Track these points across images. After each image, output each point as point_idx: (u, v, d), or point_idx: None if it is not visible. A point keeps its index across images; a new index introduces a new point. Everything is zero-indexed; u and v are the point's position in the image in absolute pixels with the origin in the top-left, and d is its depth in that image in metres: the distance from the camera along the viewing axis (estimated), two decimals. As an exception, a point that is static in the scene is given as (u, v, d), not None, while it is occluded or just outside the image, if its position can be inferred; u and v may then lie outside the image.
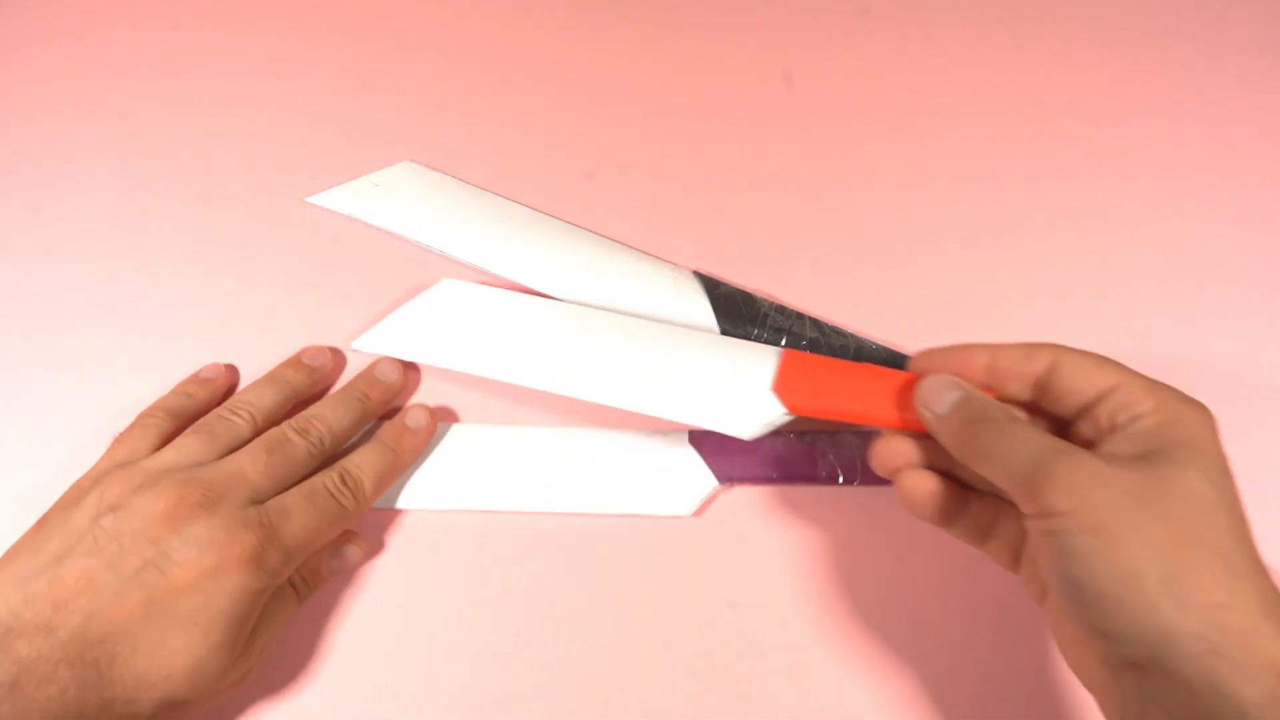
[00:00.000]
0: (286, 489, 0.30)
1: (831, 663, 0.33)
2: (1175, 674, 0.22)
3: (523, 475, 0.35)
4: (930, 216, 0.41)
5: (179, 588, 0.26)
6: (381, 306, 0.38)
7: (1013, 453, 0.26)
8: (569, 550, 0.34)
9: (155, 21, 0.45)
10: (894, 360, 0.36)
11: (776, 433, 0.34)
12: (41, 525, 0.28)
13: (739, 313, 0.37)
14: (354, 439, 0.34)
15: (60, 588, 0.25)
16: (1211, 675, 0.22)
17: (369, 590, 0.33)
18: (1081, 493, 0.24)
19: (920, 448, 0.30)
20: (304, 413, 0.32)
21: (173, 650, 0.25)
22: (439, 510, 0.34)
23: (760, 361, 0.34)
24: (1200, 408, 0.26)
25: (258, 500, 0.29)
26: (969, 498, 0.30)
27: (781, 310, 0.38)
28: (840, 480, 0.34)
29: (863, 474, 0.34)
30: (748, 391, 0.33)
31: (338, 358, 0.37)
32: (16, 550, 0.27)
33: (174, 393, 0.34)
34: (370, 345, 0.36)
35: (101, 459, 0.30)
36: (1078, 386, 0.27)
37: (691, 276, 0.39)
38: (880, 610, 0.33)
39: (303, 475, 0.30)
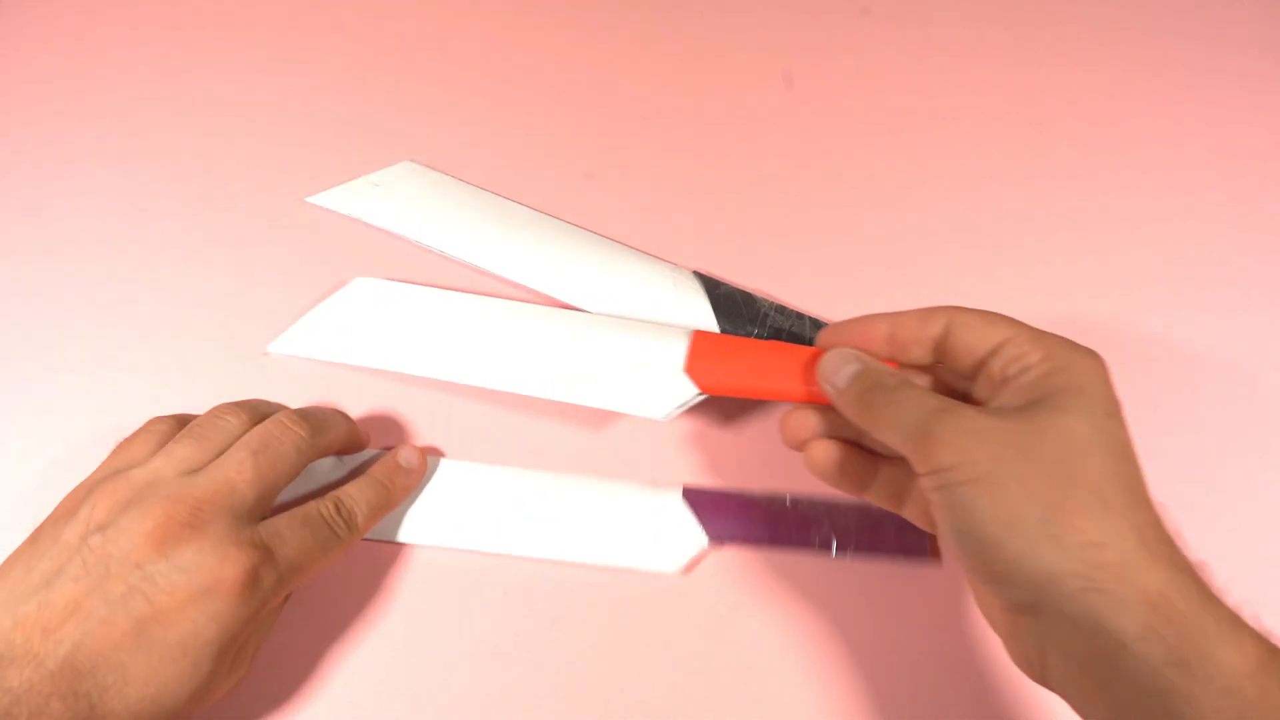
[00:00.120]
0: (275, 493, 0.29)
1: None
2: (1062, 613, 0.23)
3: (512, 518, 0.34)
4: (930, 216, 0.41)
5: (166, 615, 0.25)
6: (381, 306, 0.38)
7: (903, 416, 0.27)
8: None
9: (155, 21, 0.45)
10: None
11: (772, 496, 0.34)
12: (36, 539, 0.27)
13: (739, 313, 0.37)
14: (340, 476, 0.33)
15: (49, 612, 0.25)
16: (1093, 612, 0.23)
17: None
18: (963, 447, 0.25)
19: (828, 420, 0.32)
20: (296, 410, 0.32)
21: (163, 682, 0.25)
22: (429, 546, 0.34)
23: (672, 344, 0.34)
24: (1089, 355, 0.27)
25: (248, 513, 0.28)
26: (879, 464, 0.31)
27: (781, 310, 0.38)
28: (834, 550, 0.33)
29: (856, 545, 0.34)
30: (660, 374, 0.33)
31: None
32: (10, 566, 0.26)
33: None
34: (285, 348, 0.36)
35: (101, 464, 0.30)
36: (971, 343, 0.28)
37: (691, 276, 0.39)
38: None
39: (291, 475, 0.30)
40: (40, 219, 0.40)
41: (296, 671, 0.32)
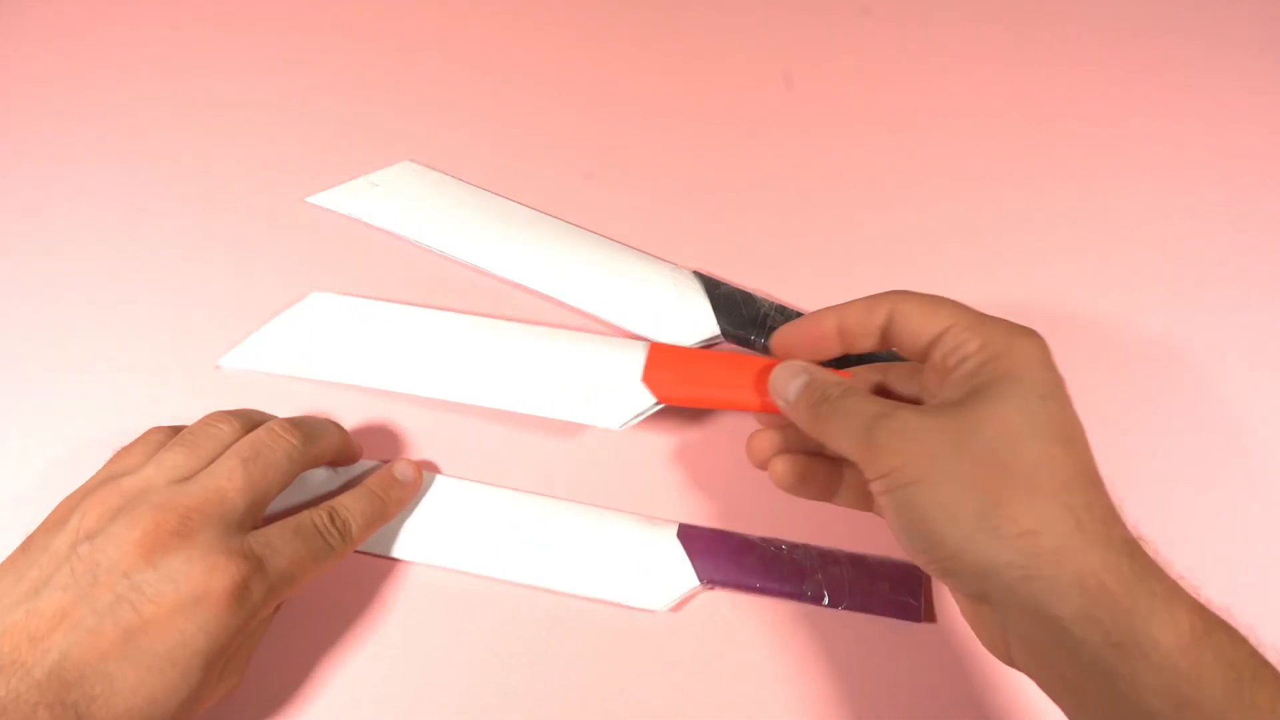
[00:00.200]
0: (266, 501, 0.29)
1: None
2: (1008, 601, 0.24)
3: (504, 542, 0.34)
4: (930, 216, 0.41)
5: (154, 625, 0.25)
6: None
7: (848, 425, 0.27)
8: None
9: (155, 21, 0.45)
10: (892, 359, 0.36)
11: (768, 542, 0.34)
12: (27, 547, 0.27)
13: (739, 313, 0.37)
14: (334, 487, 0.33)
15: (37, 621, 0.25)
16: (1034, 598, 0.23)
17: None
18: (901, 450, 0.25)
19: (791, 435, 0.32)
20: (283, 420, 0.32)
21: (151, 692, 0.25)
22: (420, 563, 0.34)
23: (630, 355, 0.34)
24: (1026, 337, 0.27)
25: (238, 522, 0.27)
26: (844, 471, 0.32)
27: (782, 310, 0.38)
28: (825, 601, 0.33)
29: (850, 598, 0.33)
30: (618, 384, 0.33)
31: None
32: (2, 573, 0.26)
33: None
34: (237, 362, 0.36)
35: (96, 473, 0.30)
36: (914, 331, 0.28)
37: (691, 276, 0.39)
38: None
39: (283, 483, 0.29)
40: (40, 219, 0.40)
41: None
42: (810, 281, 0.39)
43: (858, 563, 0.34)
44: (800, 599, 0.33)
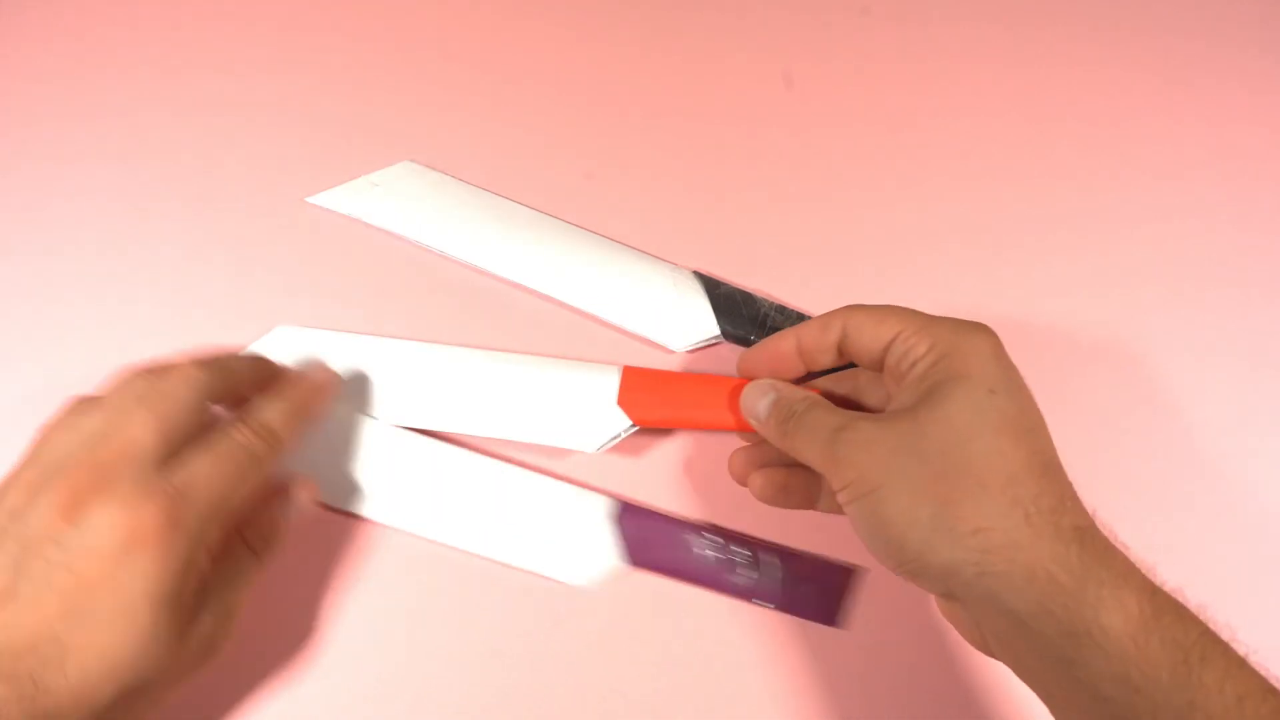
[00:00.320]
0: (184, 435, 0.28)
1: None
2: (971, 598, 0.25)
3: (441, 501, 0.34)
4: (930, 216, 0.41)
5: (91, 583, 0.25)
6: (381, 306, 0.38)
7: (812, 440, 0.28)
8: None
9: (155, 21, 0.45)
10: None
11: (703, 530, 0.34)
12: None
13: (739, 313, 0.37)
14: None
15: None
16: (992, 594, 0.24)
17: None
18: (858, 462, 0.26)
19: (769, 449, 0.33)
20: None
21: (105, 646, 0.25)
22: (351, 514, 0.34)
23: (604, 379, 0.35)
24: (973, 333, 0.28)
25: (153, 461, 0.27)
26: (821, 479, 0.33)
27: (781, 310, 0.38)
28: (749, 596, 0.34)
29: (772, 597, 0.34)
30: (593, 408, 0.34)
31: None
32: None
33: None
34: None
35: (21, 455, 0.29)
36: (867, 343, 0.29)
37: (691, 276, 0.39)
38: None
39: (189, 410, 0.28)
40: (40, 219, 0.40)
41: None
42: (810, 281, 0.39)
43: (788, 560, 0.34)
44: (726, 591, 0.34)
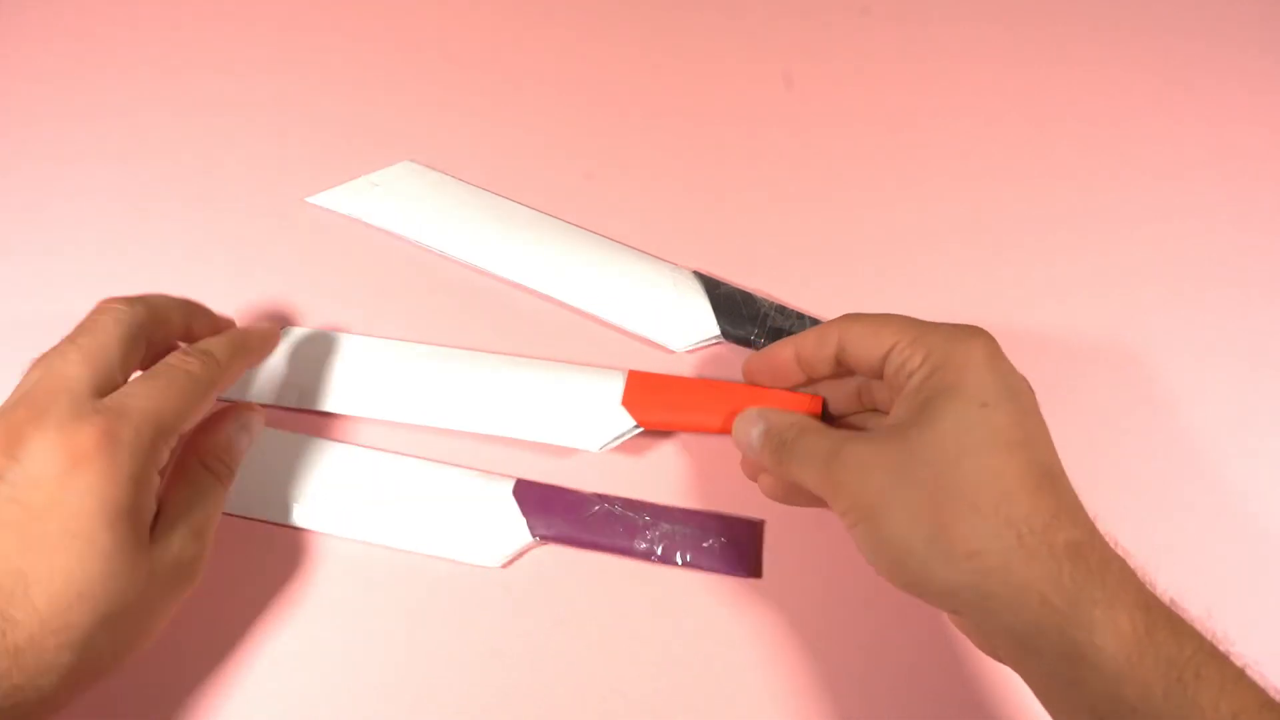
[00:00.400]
0: (115, 366, 0.28)
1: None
2: (974, 615, 0.25)
3: (344, 497, 0.34)
4: (930, 216, 0.41)
5: (40, 511, 0.25)
6: (381, 306, 0.38)
7: (807, 467, 0.29)
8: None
9: (155, 21, 0.45)
10: None
11: (602, 499, 0.34)
12: None
13: (739, 312, 0.37)
14: None
15: None
16: (993, 615, 0.24)
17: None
18: (854, 486, 0.27)
19: None
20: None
21: (65, 570, 0.25)
22: (252, 518, 0.34)
23: (609, 382, 0.35)
24: (967, 341, 0.27)
25: (86, 391, 0.27)
26: None
27: (781, 310, 0.38)
28: (658, 556, 0.34)
29: (681, 554, 0.34)
30: (598, 408, 0.34)
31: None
32: None
33: None
34: None
35: None
36: (864, 355, 0.29)
37: (691, 276, 0.39)
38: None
39: (121, 345, 0.28)
40: (40, 219, 0.40)
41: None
42: (810, 281, 0.39)
43: (690, 519, 0.34)
44: (633, 555, 0.34)
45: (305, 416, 0.36)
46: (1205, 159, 0.43)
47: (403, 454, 0.35)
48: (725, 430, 0.34)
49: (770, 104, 0.44)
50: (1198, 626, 0.24)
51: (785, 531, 0.35)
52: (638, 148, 0.42)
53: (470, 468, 0.35)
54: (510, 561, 0.34)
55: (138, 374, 0.29)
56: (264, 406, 0.34)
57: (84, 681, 0.26)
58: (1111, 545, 0.25)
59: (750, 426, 0.32)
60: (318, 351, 0.37)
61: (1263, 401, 0.38)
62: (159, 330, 0.30)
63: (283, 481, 0.34)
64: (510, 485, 0.35)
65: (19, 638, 0.24)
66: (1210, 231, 0.41)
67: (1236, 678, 0.22)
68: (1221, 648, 0.23)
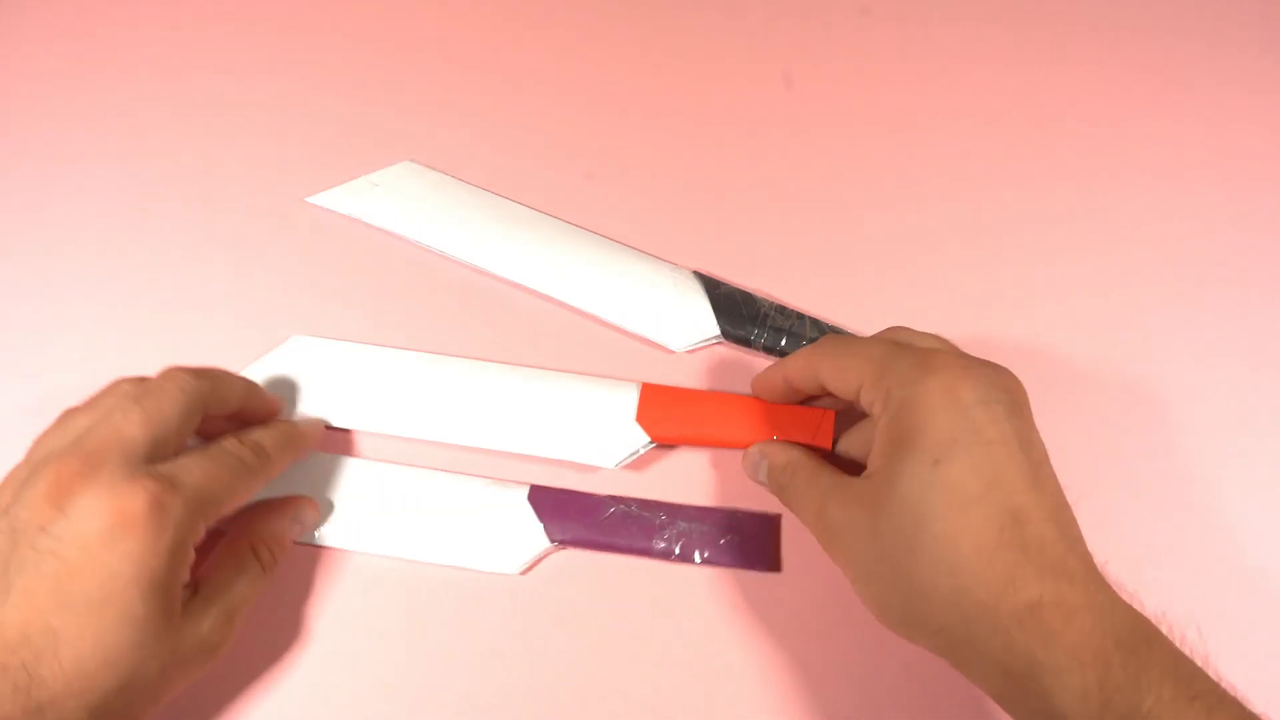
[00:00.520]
0: (173, 435, 0.28)
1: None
2: (960, 670, 0.26)
3: (359, 511, 0.34)
4: (930, 216, 0.41)
5: (80, 570, 0.25)
6: (381, 306, 0.38)
7: (803, 513, 0.30)
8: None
9: (155, 21, 0.45)
10: None
11: (617, 501, 0.34)
12: None
13: (739, 312, 0.37)
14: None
15: None
16: (964, 667, 0.26)
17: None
18: (835, 548, 0.28)
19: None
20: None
21: (96, 635, 0.25)
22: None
23: (623, 396, 0.35)
24: (924, 380, 0.27)
25: (142, 455, 0.27)
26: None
27: (781, 310, 0.38)
28: (676, 555, 0.34)
29: (700, 552, 0.34)
30: (613, 424, 0.34)
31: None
32: None
33: None
34: None
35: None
36: (840, 391, 0.30)
37: (691, 276, 0.39)
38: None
39: (182, 414, 0.28)
40: (40, 219, 0.40)
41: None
42: (810, 281, 0.39)
43: (706, 517, 0.34)
44: (651, 555, 0.34)
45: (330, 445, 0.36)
46: (1205, 159, 0.43)
47: (415, 466, 0.35)
48: (740, 444, 0.34)
49: (770, 104, 0.44)
50: (1166, 662, 0.23)
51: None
52: (638, 148, 0.42)
53: (483, 476, 0.35)
54: (529, 568, 0.34)
55: (192, 442, 0.29)
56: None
57: None
58: (1083, 574, 0.25)
59: (755, 464, 0.33)
60: (324, 363, 0.36)
61: (1262, 402, 0.38)
62: (215, 405, 0.30)
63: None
64: (524, 492, 0.34)
65: (42, 697, 0.24)
66: (1210, 231, 0.41)
67: None
68: (1186, 690, 0.23)
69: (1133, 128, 0.44)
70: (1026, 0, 0.47)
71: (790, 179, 0.42)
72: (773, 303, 0.38)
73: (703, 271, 0.39)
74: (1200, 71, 0.45)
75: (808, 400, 0.34)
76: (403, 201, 0.40)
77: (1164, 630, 0.25)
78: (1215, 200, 0.42)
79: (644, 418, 0.35)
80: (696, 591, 0.34)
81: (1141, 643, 0.23)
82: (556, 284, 0.38)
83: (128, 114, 0.42)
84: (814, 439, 0.33)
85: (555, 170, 0.42)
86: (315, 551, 0.34)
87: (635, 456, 0.34)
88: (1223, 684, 0.24)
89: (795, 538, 0.35)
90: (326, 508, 0.34)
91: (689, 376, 0.37)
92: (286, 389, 0.36)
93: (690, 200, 0.41)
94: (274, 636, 0.33)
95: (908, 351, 0.28)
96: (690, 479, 0.36)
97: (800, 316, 0.38)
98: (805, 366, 0.31)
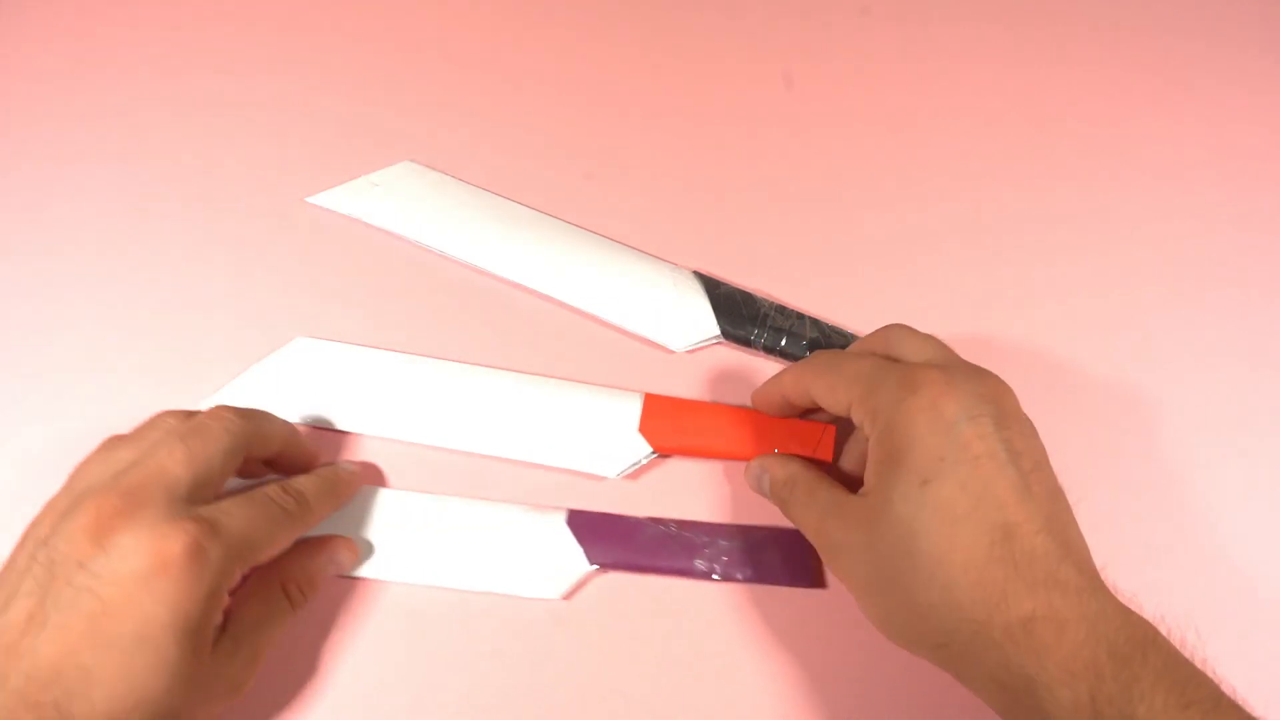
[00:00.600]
0: (212, 476, 0.28)
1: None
2: (958, 679, 0.27)
3: (396, 541, 0.34)
4: (930, 216, 0.41)
5: (116, 609, 0.24)
6: (381, 306, 0.38)
7: (805, 529, 0.31)
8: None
9: (155, 21, 0.45)
10: None
11: (656, 523, 0.34)
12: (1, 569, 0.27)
13: (739, 312, 0.37)
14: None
15: (9, 634, 0.24)
16: (959, 676, 0.26)
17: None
18: (835, 566, 0.29)
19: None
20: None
21: (129, 675, 0.24)
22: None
23: (625, 405, 0.35)
24: (908, 399, 0.27)
25: (184, 495, 0.27)
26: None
27: (781, 310, 0.38)
28: (717, 575, 0.33)
29: (741, 570, 0.34)
30: (616, 434, 0.35)
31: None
32: None
33: None
34: (226, 400, 0.35)
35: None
36: (832, 407, 0.30)
37: (691, 276, 0.39)
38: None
39: (226, 455, 0.28)
40: (40, 219, 0.40)
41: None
42: (810, 281, 0.39)
43: (746, 535, 0.34)
44: (692, 575, 0.34)
45: (330, 448, 0.36)
46: (1205, 159, 0.43)
47: (446, 495, 0.35)
48: (742, 456, 0.34)
49: (770, 104, 0.44)
50: (1160, 669, 0.23)
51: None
52: (638, 148, 0.42)
53: (517, 502, 0.35)
54: (572, 592, 0.33)
55: (234, 481, 0.29)
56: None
57: None
58: (1076, 584, 0.25)
59: (758, 477, 0.33)
60: (327, 365, 0.36)
61: (1262, 402, 0.38)
62: (258, 447, 0.30)
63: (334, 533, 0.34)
64: (563, 516, 0.34)
65: None
66: (1210, 231, 0.41)
67: None
68: (1180, 697, 0.23)
69: (1133, 128, 0.44)
70: (1026, 0, 0.47)
71: (790, 179, 0.42)
72: (773, 303, 0.38)
73: (703, 271, 0.39)
74: (1200, 71, 0.45)
75: (808, 413, 0.34)
76: (403, 201, 0.40)
77: (1163, 632, 0.24)
78: (1215, 200, 0.42)
79: (647, 428, 0.35)
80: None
81: (1136, 650, 0.23)
82: (556, 284, 0.38)
83: (128, 114, 0.42)
84: (815, 452, 0.34)
85: (555, 170, 0.42)
86: (350, 583, 0.33)
87: (636, 466, 0.34)
88: (1222, 685, 0.24)
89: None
90: (362, 542, 0.33)
91: (689, 376, 0.37)
92: (289, 390, 0.36)
93: (690, 200, 0.41)
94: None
95: (893, 369, 0.28)
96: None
97: (800, 316, 0.38)
98: (798, 384, 0.32)
